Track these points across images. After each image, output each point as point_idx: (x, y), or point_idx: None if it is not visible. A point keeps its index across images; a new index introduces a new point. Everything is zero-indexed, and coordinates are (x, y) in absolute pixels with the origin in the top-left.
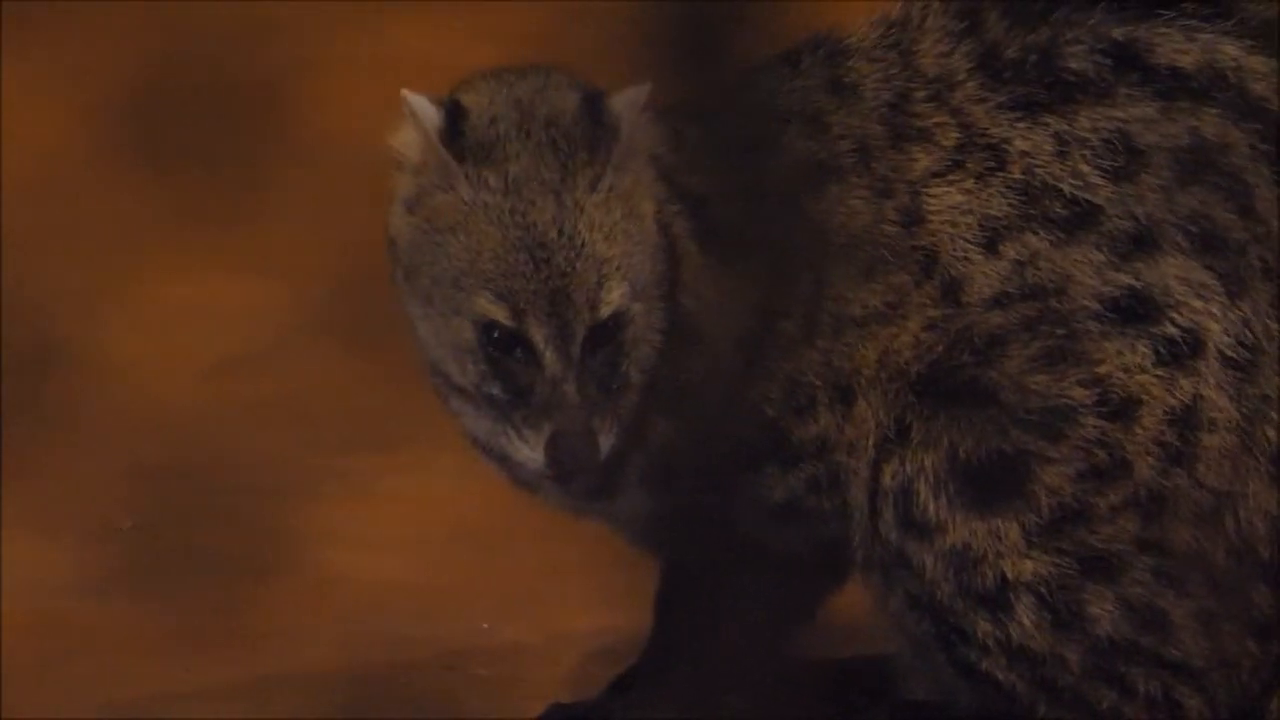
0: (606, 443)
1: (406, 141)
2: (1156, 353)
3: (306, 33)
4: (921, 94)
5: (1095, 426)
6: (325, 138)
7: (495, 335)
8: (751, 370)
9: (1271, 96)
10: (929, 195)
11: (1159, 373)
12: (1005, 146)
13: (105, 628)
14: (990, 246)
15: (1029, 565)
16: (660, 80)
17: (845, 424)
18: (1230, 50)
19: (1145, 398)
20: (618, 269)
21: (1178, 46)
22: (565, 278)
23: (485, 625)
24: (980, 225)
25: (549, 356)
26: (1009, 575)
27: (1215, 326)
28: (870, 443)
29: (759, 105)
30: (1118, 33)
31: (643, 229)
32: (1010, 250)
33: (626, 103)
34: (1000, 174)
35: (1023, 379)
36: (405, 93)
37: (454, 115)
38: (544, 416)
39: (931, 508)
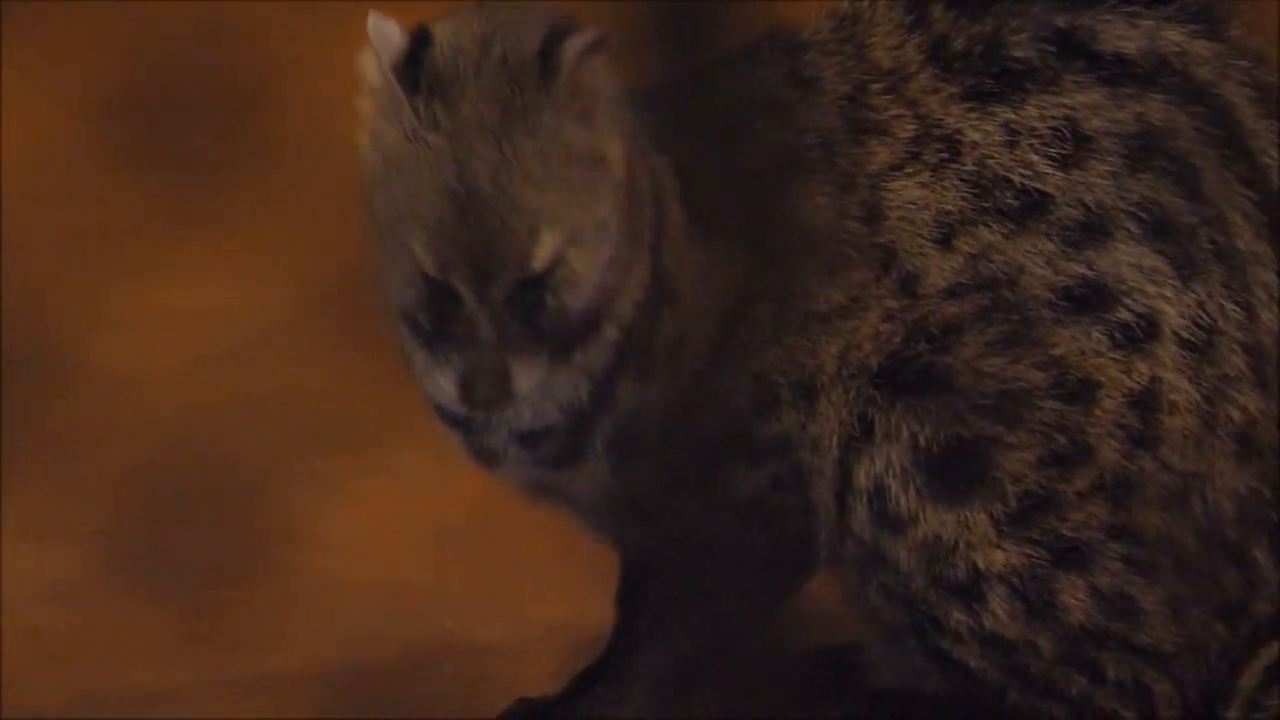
0: (528, 382)
1: (366, 64)
2: (1111, 338)
3: (295, 32)
4: (877, 86)
5: (1053, 410)
6: (306, 138)
7: (426, 279)
8: (723, 354)
9: (1216, 80)
10: (888, 190)
11: (1115, 356)
12: (958, 138)
13: (80, 632)
14: (944, 242)
15: (1000, 556)
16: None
17: (809, 422)
18: (1173, 36)
19: (1103, 380)
20: (551, 220)
21: (1120, 33)
22: (493, 232)
23: (450, 623)
24: (935, 220)
25: (470, 299)
26: (980, 566)
27: (1170, 310)
28: (834, 441)
29: (732, 91)
30: (1060, 20)
31: (592, 175)
32: (963, 245)
33: (573, 44)
34: (954, 165)
35: (978, 364)
36: (372, 13)
37: (419, 43)
38: (459, 351)
39: (903, 501)
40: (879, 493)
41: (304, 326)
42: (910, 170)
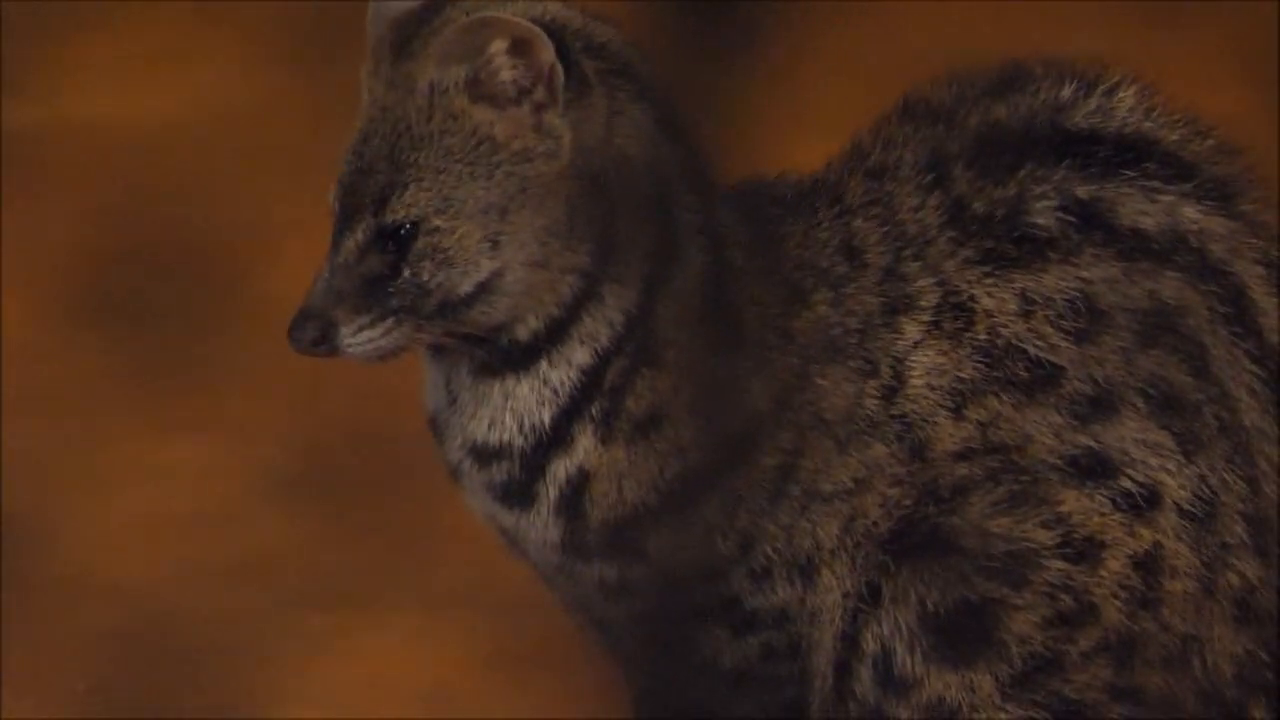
0: (356, 338)
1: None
2: (1114, 503)
3: (291, 194)
4: (908, 253)
5: (1059, 570)
6: (277, 296)
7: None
8: (711, 482)
9: (1229, 258)
10: (911, 363)
11: (1118, 518)
12: (972, 304)
13: None
14: (957, 410)
15: (1002, 718)
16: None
17: (808, 595)
18: (1191, 213)
19: (1107, 539)
20: (418, 179)
21: (1140, 208)
22: (363, 174)
23: None
24: (950, 388)
25: (331, 240)
26: None
27: (1172, 482)
28: (839, 614)
29: (797, 248)
30: (1082, 191)
31: (481, 153)
32: (974, 413)
33: (474, 24)
34: (968, 334)
35: (984, 524)
36: None
37: (423, 10)
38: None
39: (908, 663)
40: (884, 655)
41: (295, 483)
42: (931, 340)
